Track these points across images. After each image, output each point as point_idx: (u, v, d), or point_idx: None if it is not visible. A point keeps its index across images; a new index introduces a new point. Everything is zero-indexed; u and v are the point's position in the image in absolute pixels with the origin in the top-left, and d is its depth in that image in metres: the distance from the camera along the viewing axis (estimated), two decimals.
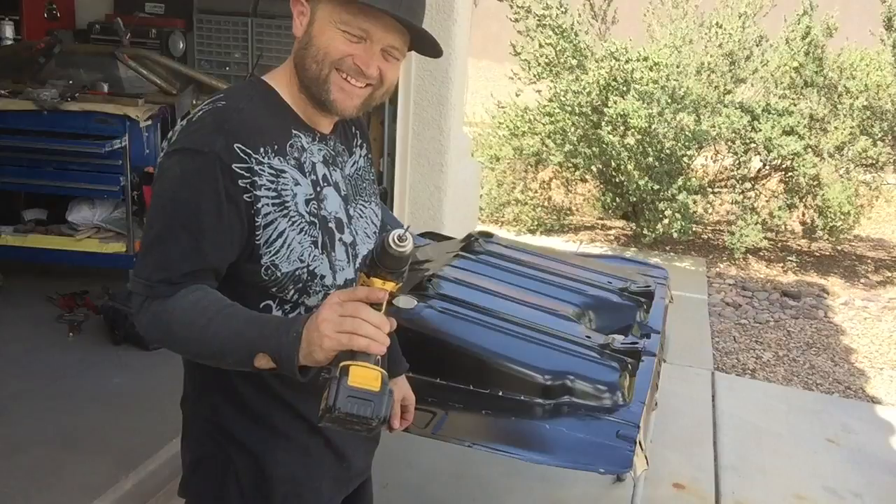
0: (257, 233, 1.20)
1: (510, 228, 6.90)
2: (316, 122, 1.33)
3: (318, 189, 1.29)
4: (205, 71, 4.66)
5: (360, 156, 1.45)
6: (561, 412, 1.94)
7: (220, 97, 1.25)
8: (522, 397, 1.97)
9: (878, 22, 6.67)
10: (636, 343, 2.20)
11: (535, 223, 6.89)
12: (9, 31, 4.57)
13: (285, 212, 1.22)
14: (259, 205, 1.19)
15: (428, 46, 1.30)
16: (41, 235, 3.98)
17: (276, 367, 1.10)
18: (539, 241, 6.45)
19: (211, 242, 1.18)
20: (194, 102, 4.24)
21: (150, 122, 3.92)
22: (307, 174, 1.27)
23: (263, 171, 1.20)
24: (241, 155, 1.18)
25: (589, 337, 2.21)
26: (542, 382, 1.98)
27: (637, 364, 2.11)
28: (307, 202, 1.26)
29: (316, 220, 1.26)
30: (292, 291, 1.26)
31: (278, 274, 1.24)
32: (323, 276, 1.27)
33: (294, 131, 1.28)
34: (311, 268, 1.26)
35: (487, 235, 2.96)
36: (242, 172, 1.18)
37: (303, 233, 1.24)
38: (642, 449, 1.81)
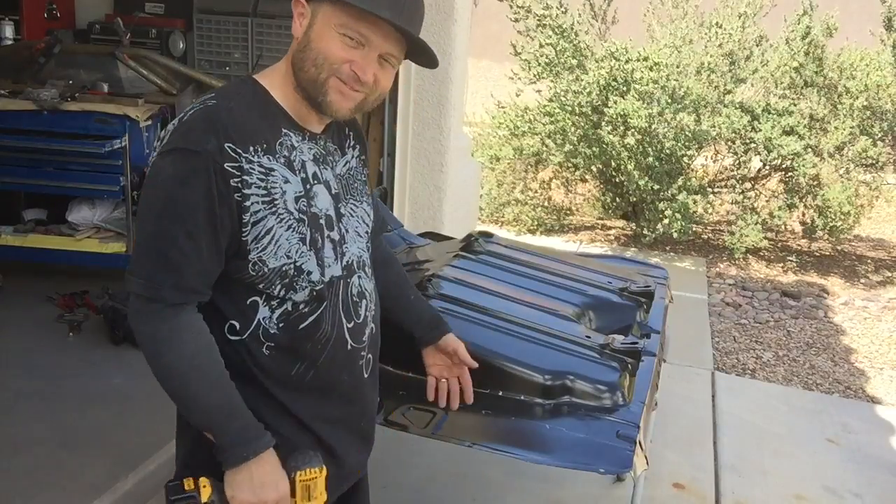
0: (244, 230, 1.24)
1: (510, 228, 6.90)
2: (307, 122, 1.35)
3: (308, 186, 1.31)
4: (205, 71, 4.66)
5: (353, 156, 1.48)
6: (561, 412, 1.93)
7: (210, 96, 1.28)
8: (522, 397, 1.97)
9: (878, 22, 6.67)
10: (636, 343, 2.20)
11: (535, 223, 6.88)
12: (9, 31, 4.58)
13: (274, 209, 1.25)
14: (248, 203, 1.23)
15: (424, 57, 1.34)
16: (41, 235, 3.98)
17: (214, 445, 1.26)
18: (539, 241, 6.45)
19: (207, 241, 1.22)
20: (193, 102, 4.23)
21: (150, 122, 3.92)
22: (297, 172, 1.29)
23: (254, 169, 1.23)
24: (233, 154, 1.21)
25: (589, 337, 2.21)
26: (542, 382, 1.98)
27: (637, 364, 2.11)
28: (297, 199, 1.28)
29: (305, 218, 1.29)
30: (279, 287, 1.29)
31: (265, 269, 1.27)
32: (310, 273, 1.30)
33: (284, 130, 1.30)
34: (297, 264, 1.28)
35: (487, 235, 2.95)
36: (234, 172, 1.21)
37: (290, 230, 1.27)
38: (642, 449, 1.81)
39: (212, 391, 1.25)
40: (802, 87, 6.48)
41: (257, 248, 1.25)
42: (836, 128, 6.26)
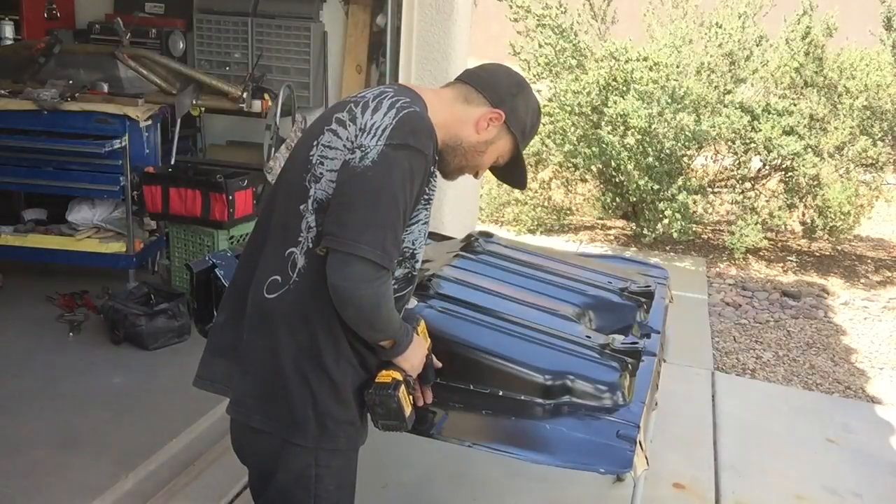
0: (409, 221, 1.50)
1: (510, 228, 6.90)
2: None
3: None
4: (205, 71, 4.66)
5: None
6: (561, 412, 1.93)
7: (409, 100, 1.51)
8: (522, 397, 1.97)
9: (878, 22, 6.67)
10: (636, 343, 2.20)
11: (535, 223, 6.88)
12: (9, 31, 4.58)
13: (428, 207, 1.57)
14: (424, 197, 1.53)
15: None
16: (41, 235, 3.98)
17: (390, 347, 1.60)
18: (539, 241, 6.45)
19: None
20: (194, 103, 4.23)
21: (150, 122, 3.93)
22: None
23: (435, 172, 1.56)
24: (435, 158, 1.53)
25: (589, 337, 2.21)
26: (542, 382, 1.98)
27: (637, 364, 2.11)
28: (432, 199, 1.59)
29: (429, 216, 1.60)
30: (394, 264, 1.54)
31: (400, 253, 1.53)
32: (417, 261, 1.63)
33: None
34: (414, 251, 1.59)
35: (487, 235, 2.95)
36: (433, 172, 1.53)
37: (424, 223, 1.58)
38: (642, 449, 1.81)
39: (397, 315, 1.59)
40: (802, 87, 6.48)
41: (406, 234, 1.51)
42: (836, 128, 6.26)
